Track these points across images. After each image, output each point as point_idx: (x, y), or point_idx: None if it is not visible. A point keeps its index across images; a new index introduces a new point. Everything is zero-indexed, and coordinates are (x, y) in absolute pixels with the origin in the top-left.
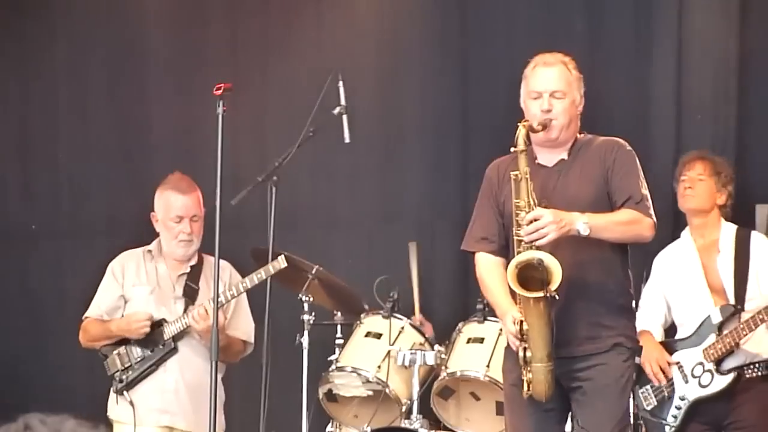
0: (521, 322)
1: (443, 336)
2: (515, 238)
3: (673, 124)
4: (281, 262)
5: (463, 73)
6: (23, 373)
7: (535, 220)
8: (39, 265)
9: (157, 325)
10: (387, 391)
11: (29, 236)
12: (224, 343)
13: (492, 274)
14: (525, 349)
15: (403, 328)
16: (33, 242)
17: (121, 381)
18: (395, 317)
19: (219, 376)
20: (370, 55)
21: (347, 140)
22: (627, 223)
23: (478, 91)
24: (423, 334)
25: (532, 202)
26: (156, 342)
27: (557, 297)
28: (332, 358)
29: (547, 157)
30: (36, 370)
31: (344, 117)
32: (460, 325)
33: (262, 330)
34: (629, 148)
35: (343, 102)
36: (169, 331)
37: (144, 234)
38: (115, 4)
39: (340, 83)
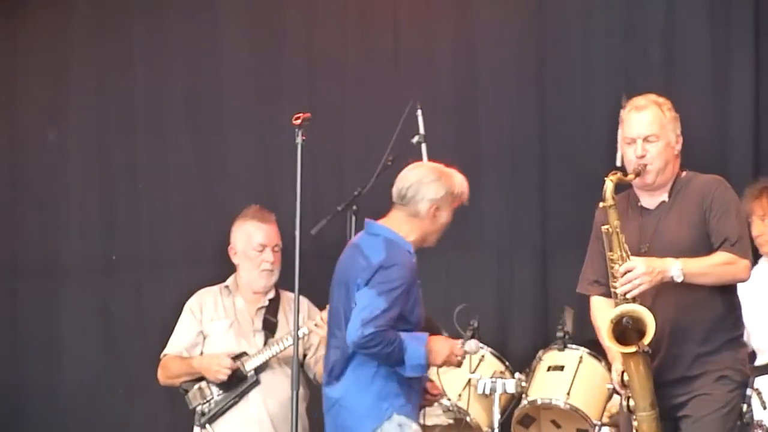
0: (623, 372)
1: (524, 364)
2: (611, 290)
3: (751, 153)
4: None
5: (540, 102)
6: (102, 405)
7: (629, 272)
8: (119, 296)
9: (238, 357)
10: (468, 419)
11: (109, 267)
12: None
13: (603, 317)
14: (628, 398)
15: (483, 356)
16: (113, 273)
17: (203, 414)
18: (474, 345)
19: (303, 406)
20: (446, 84)
21: None
22: (722, 267)
23: (555, 120)
24: (504, 362)
25: (624, 255)
26: (237, 375)
27: (650, 351)
28: None
29: (649, 200)
30: (115, 403)
31: (423, 146)
32: (540, 352)
33: None
34: (727, 186)
35: (422, 131)
36: (250, 364)
37: (224, 265)
38: (193, 33)
39: (419, 112)
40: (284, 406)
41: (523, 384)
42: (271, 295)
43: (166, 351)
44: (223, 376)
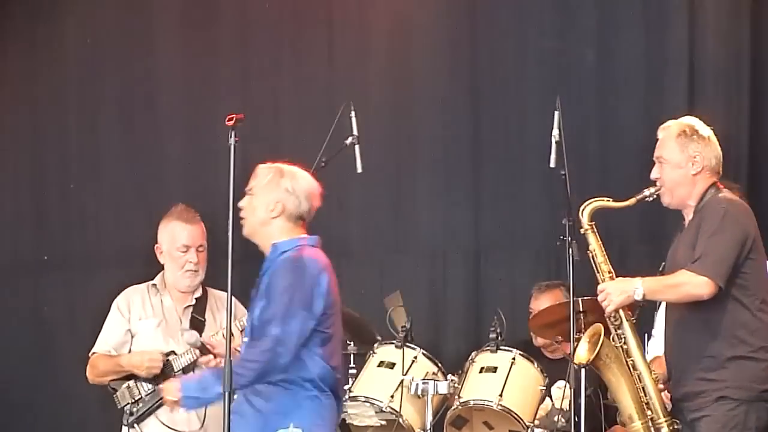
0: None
1: (456, 365)
2: None
3: None
4: None
5: (473, 104)
6: (33, 406)
7: (601, 293)
8: (51, 296)
9: (166, 357)
10: (400, 420)
11: (41, 267)
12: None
13: None
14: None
15: (416, 357)
16: (44, 273)
17: (131, 414)
18: (408, 347)
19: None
20: (381, 86)
21: (359, 170)
22: (676, 286)
23: (489, 122)
24: (437, 363)
25: (603, 276)
26: (166, 374)
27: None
28: (345, 387)
29: (685, 220)
30: (47, 402)
31: (356, 147)
32: (473, 354)
33: None
34: (721, 205)
35: (355, 132)
36: (178, 363)
37: (156, 265)
38: (127, 33)
39: (353, 114)
40: (213, 406)
41: (456, 385)
42: (198, 293)
43: (94, 349)
44: (157, 369)
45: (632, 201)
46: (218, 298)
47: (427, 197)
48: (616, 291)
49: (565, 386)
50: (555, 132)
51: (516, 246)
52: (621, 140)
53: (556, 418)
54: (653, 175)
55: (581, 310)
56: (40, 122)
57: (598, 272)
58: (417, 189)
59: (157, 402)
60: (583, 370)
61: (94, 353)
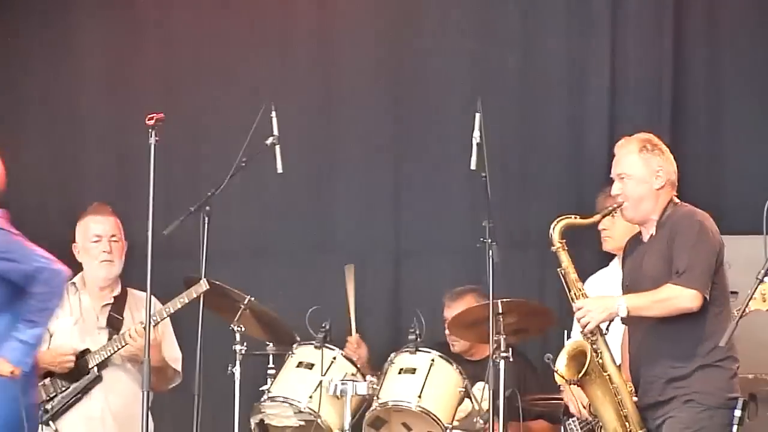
0: (589, 405)
1: (376, 366)
2: None
3: (606, 157)
4: (202, 286)
5: (395, 105)
6: None
7: (579, 310)
8: None
9: (82, 355)
10: (319, 421)
11: None
12: (160, 365)
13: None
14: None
15: (335, 358)
16: None
17: (46, 411)
18: (327, 347)
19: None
20: (303, 86)
21: (280, 170)
22: (664, 300)
23: (411, 123)
24: (355, 365)
25: (577, 293)
26: (81, 372)
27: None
28: (264, 388)
29: (645, 234)
30: None
31: (277, 147)
32: (392, 355)
33: (194, 360)
34: (698, 219)
35: (276, 132)
36: (93, 360)
37: (78, 265)
38: (47, 34)
39: (273, 114)
40: (127, 404)
41: (375, 386)
42: (117, 292)
43: None
44: (70, 363)
45: (598, 217)
46: (138, 298)
47: (347, 199)
48: (598, 308)
49: (484, 387)
50: (476, 134)
51: (436, 248)
52: (543, 143)
53: (475, 420)
54: (614, 191)
55: (501, 312)
56: None
57: (571, 290)
58: (338, 190)
59: (72, 399)
60: (502, 372)
61: None
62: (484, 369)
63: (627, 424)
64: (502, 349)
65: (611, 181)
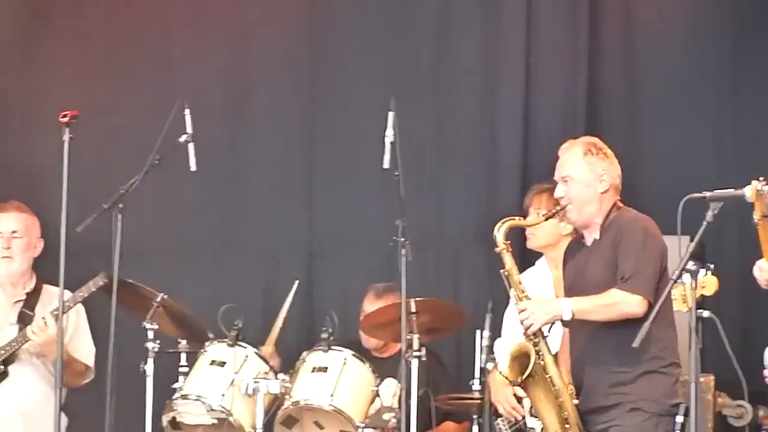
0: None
1: (288, 365)
2: None
3: (520, 157)
4: (101, 279)
5: (311, 102)
6: None
7: (522, 312)
8: None
9: None
10: (231, 419)
11: None
12: (65, 360)
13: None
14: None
15: (247, 356)
16: None
17: None
18: (239, 345)
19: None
20: (217, 84)
21: (193, 168)
22: (610, 306)
23: (325, 121)
24: (267, 363)
25: (521, 294)
26: None
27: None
28: (176, 385)
29: (588, 238)
30: None
31: (190, 145)
32: (304, 354)
33: (106, 357)
34: (640, 224)
35: (189, 130)
36: (3, 356)
37: None
38: None
39: (187, 111)
40: (36, 400)
41: (287, 385)
42: (29, 287)
43: None
44: None
45: (541, 219)
46: (52, 293)
47: (261, 196)
48: (542, 311)
49: (395, 384)
50: (389, 132)
51: (349, 246)
52: (456, 142)
53: (385, 416)
54: (558, 194)
55: (414, 311)
56: None
57: (515, 292)
58: (251, 188)
59: None
60: (414, 369)
61: None
62: (395, 366)
63: (567, 426)
64: (415, 347)
65: (550, 182)
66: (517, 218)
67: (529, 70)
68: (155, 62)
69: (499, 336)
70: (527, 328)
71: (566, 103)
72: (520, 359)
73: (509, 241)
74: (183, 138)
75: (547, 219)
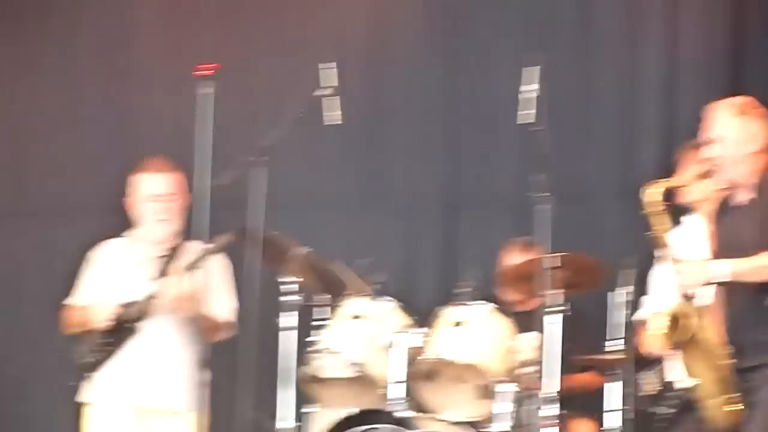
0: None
1: (428, 318)
2: None
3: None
4: (231, 235)
5: (451, 58)
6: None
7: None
8: (24, 243)
9: (125, 308)
10: (372, 372)
11: (16, 213)
12: (199, 315)
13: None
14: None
15: (388, 309)
16: (19, 220)
17: (89, 364)
18: (381, 299)
19: (193, 356)
20: (357, 38)
21: (337, 122)
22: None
23: (466, 75)
24: (409, 316)
25: (676, 256)
26: (120, 325)
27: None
28: (316, 339)
29: (740, 198)
30: (16, 350)
31: (334, 98)
32: (444, 308)
33: (248, 312)
34: None
35: (334, 83)
36: (137, 312)
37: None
38: None
39: (330, 65)
40: (171, 357)
41: (428, 338)
42: (171, 244)
43: (67, 300)
44: (110, 320)
45: (691, 179)
46: (191, 249)
47: (400, 150)
48: (700, 272)
49: (534, 337)
50: (532, 87)
51: (490, 201)
52: (599, 96)
53: (525, 370)
54: (708, 153)
55: (555, 266)
56: (15, 69)
57: (668, 253)
58: (391, 141)
59: (115, 350)
60: (555, 324)
61: (67, 304)
62: (536, 320)
63: (722, 385)
64: (556, 302)
65: (698, 140)
66: (666, 180)
67: (673, 22)
68: (298, 17)
69: (644, 294)
70: (686, 289)
71: (711, 60)
72: (677, 321)
73: (661, 201)
74: (327, 92)
75: (697, 179)
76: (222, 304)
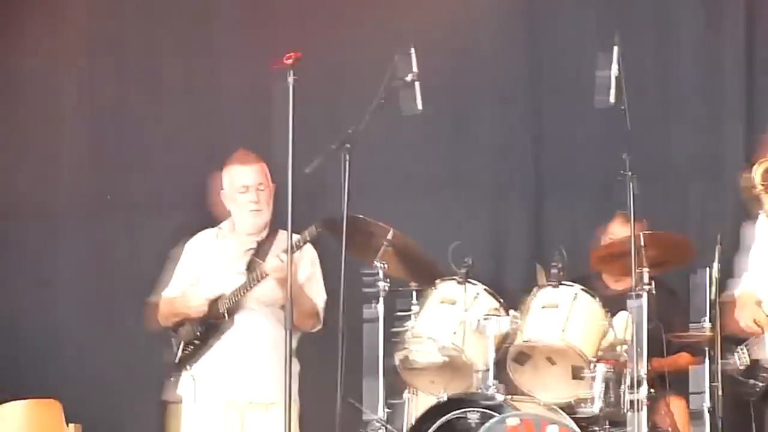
0: None
1: (518, 301)
2: None
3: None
4: (319, 225)
5: (533, 42)
6: (94, 346)
7: None
8: (112, 237)
9: (216, 300)
10: (462, 357)
11: (104, 208)
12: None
13: None
14: None
15: (477, 294)
16: (107, 213)
17: (183, 357)
18: (470, 283)
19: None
20: (439, 23)
21: (419, 107)
22: None
23: (549, 57)
24: (498, 299)
25: None
26: (214, 317)
27: None
28: (407, 325)
29: None
30: (106, 343)
31: (416, 84)
32: (534, 290)
33: (336, 300)
34: None
35: (415, 69)
36: (229, 305)
37: (219, 208)
38: None
39: (412, 51)
40: (263, 347)
41: (518, 321)
42: (263, 236)
43: (162, 293)
44: (204, 308)
45: None
46: (282, 240)
47: (486, 135)
48: None
49: (627, 317)
50: (614, 67)
51: (576, 181)
52: (681, 75)
53: (617, 350)
54: None
55: (643, 244)
56: (100, 63)
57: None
58: (477, 128)
59: (208, 343)
60: (644, 303)
61: (160, 297)
62: (625, 299)
63: None
64: (645, 281)
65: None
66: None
67: (753, 1)
68: (380, 3)
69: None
70: None
71: None
72: None
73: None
74: (409, 77)
75: None
76: (315, 296)
